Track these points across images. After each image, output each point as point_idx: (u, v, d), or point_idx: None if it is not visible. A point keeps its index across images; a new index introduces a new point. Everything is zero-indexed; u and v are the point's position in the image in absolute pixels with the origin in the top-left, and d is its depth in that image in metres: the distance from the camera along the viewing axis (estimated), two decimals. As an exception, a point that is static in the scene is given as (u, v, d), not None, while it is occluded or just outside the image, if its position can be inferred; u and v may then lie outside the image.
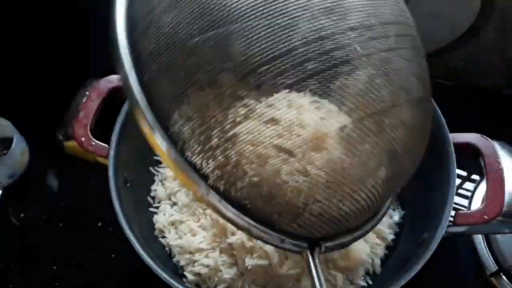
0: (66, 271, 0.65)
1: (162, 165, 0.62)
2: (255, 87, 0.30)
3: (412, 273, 0.46)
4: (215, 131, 0.31)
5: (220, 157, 0.31)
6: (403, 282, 0.46)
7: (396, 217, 0.60)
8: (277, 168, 0.30)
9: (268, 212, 0.32)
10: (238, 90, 0.30)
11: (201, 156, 0.31)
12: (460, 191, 0.69)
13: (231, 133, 0.30)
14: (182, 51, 0.31)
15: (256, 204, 0.32)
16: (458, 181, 0.69)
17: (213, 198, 0.32)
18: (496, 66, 0.77)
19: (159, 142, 0.33)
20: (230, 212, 0.32)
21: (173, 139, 0.32)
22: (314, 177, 0.30)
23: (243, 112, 0.30)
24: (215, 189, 0.32)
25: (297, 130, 0.30)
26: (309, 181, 0.31)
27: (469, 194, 0.68)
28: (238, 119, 0.30)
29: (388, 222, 0.59)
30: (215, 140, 0.31)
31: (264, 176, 0.30)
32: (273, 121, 0.30)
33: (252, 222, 0.33)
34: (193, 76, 0.31)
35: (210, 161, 0.31)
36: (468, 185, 0.69)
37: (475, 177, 0.69)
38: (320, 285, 0.33)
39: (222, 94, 0.30)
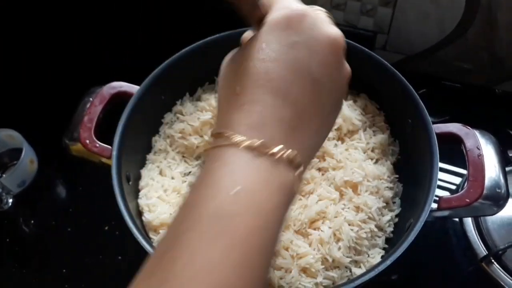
0: (75, 274, 0.67)
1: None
2: None
3: (395, 256, 0.46)
4: None
5: None
6: (383, 266, 0.46)
7: (397, 210, 0.59)
8: None
9: None
10: None
11: None
12: (449, 185, 0.71)
13: None
14: None
15: None
16: (447, 176, 0.72)
17: None
18: (484, 63, 0.79)
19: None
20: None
21: None
22: None
23: None
24: None
25: None
26: None
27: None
28: None
29: (390, 215, 0.58)
30: None
31: None
32: None
33: None
34: None
35: None
36: (456, 180, 0.71)
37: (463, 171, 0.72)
38: None
39: None
